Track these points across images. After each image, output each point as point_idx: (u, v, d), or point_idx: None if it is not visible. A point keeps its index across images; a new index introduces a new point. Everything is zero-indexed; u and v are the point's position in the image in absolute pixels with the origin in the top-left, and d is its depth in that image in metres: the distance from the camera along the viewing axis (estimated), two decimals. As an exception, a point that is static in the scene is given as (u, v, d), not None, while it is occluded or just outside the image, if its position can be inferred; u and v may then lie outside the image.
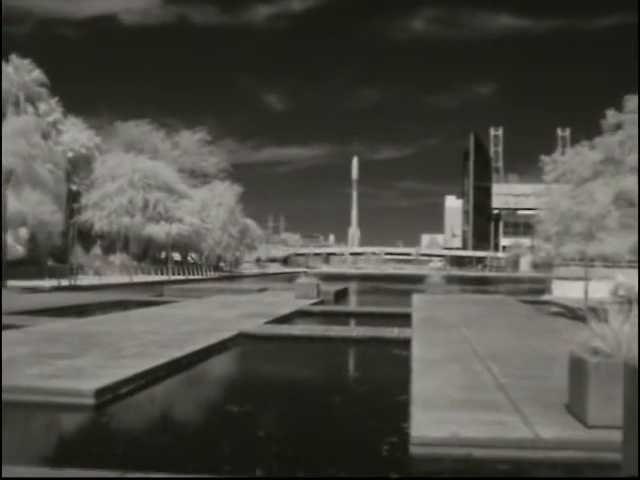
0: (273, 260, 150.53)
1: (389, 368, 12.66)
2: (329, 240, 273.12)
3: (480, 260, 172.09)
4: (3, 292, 28.51)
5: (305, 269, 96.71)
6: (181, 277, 64.85)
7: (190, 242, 76.16)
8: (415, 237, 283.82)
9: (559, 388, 8.00)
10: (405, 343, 14.11)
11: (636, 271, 26.58)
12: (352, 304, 33.70)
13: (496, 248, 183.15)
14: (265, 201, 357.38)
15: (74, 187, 69.22)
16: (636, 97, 35.16)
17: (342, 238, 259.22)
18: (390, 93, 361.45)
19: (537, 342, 13.87)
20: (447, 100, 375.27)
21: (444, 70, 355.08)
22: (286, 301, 26.61)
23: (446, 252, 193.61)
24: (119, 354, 11.44)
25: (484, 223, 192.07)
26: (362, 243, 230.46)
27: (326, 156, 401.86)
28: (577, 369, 7.04)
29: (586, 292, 25.08)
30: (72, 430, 8.18)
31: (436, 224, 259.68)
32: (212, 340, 13.72)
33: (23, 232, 49.48)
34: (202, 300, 27.05)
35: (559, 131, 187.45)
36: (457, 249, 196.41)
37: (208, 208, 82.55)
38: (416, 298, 29.50)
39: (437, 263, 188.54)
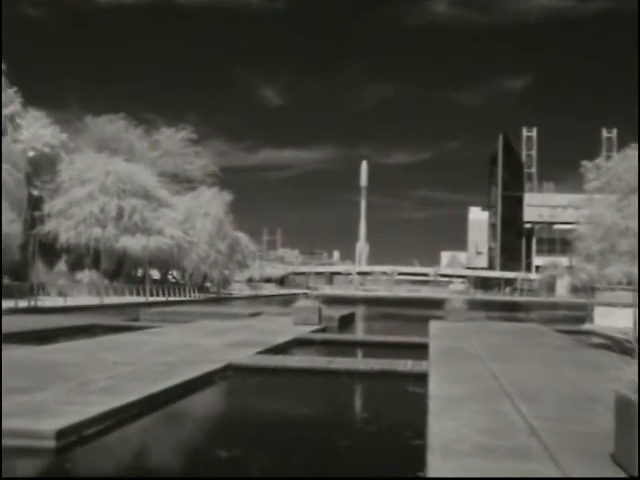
0: (268, 280, 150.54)
1: (402, 407, 12.59)
2: (333, 257, 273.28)
3: (509, 282, 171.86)
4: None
5: (305, 290, 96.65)
6: (160, 299, 64.81)
7: (171, 258, 76.16)
8: (433, 255, 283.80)
9: (603, 433, 7.93)
10: (421, 378, 14.05)
11: None
12: (359, 332, 33.69)
13: (528, 268, 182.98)
14: (259, 211, 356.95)
15: (36, 192, 69.23)
16: None
17: (348, 255, 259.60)
18: (405, 88, 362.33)
19: (576, 378, 13.79)
20: (471, 96, 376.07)
21: (468, 61, 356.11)
22: (282, 328, 26.58)
23: (469, 272, 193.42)
24: (86, 388, 11.38)
25: (514, 239, 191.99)
26: (371, 261, 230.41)
27: (330, 160, 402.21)
28: (624, 411, 6.97)
29: (635, 321, 24.98)
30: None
31: (458, 240, 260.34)
32: (196, 373, 13.66)
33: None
34: (185, 326, 27.00)
35: (604, 132, 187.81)
36: (482, 269, 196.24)
37: (193, 218, 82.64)
38: (434, 326, 29.46)
39: (459, 285, 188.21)
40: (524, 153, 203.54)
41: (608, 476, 6.79)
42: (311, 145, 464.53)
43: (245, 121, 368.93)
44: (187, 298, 72.44)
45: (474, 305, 44.50)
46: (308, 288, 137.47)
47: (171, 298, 67.85)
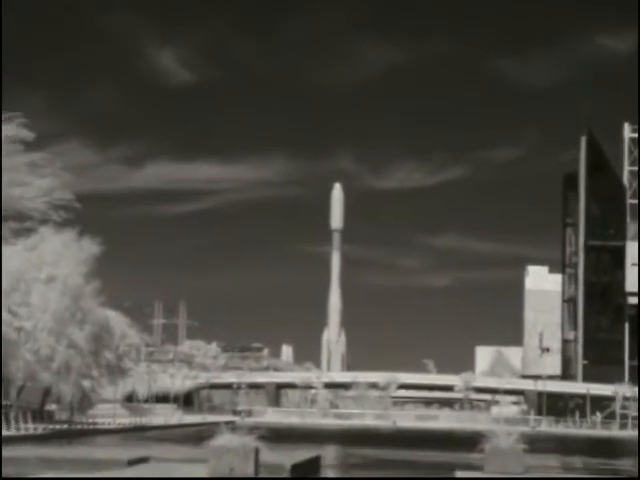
0: (164, 398, 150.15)
1: None
2: (282, 356, 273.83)
3: (600, 403, 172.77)
4: None
5: (230, 417, 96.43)
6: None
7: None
8: (462, 352, 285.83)
9: None
10: None
11: None
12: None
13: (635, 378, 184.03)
14: (149, 273, 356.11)
15: None
16: None
17: (308, 352, 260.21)
18: (422, 53, 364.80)
19: None
20: (534, 68, 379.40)
21: (533, 11, 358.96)
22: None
23: (527, 385, 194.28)
24: None
25: (609, 325, 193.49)
26: (351, 364, 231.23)
27: (279, 182, 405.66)
28: None
29: None
30: None
31: (506, 326, 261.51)
32: None
33: None
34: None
35: None
36: (551, 379, 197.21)
37: (26, 287, 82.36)
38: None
39: (509, 408, 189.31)
40: (626, 169, 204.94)
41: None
42: (246, 155, 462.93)
43: (125, 109, 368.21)
44: (13, 432, 71.79)
45: (538, 444, 44.46)
46: (236, 412, 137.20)
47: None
